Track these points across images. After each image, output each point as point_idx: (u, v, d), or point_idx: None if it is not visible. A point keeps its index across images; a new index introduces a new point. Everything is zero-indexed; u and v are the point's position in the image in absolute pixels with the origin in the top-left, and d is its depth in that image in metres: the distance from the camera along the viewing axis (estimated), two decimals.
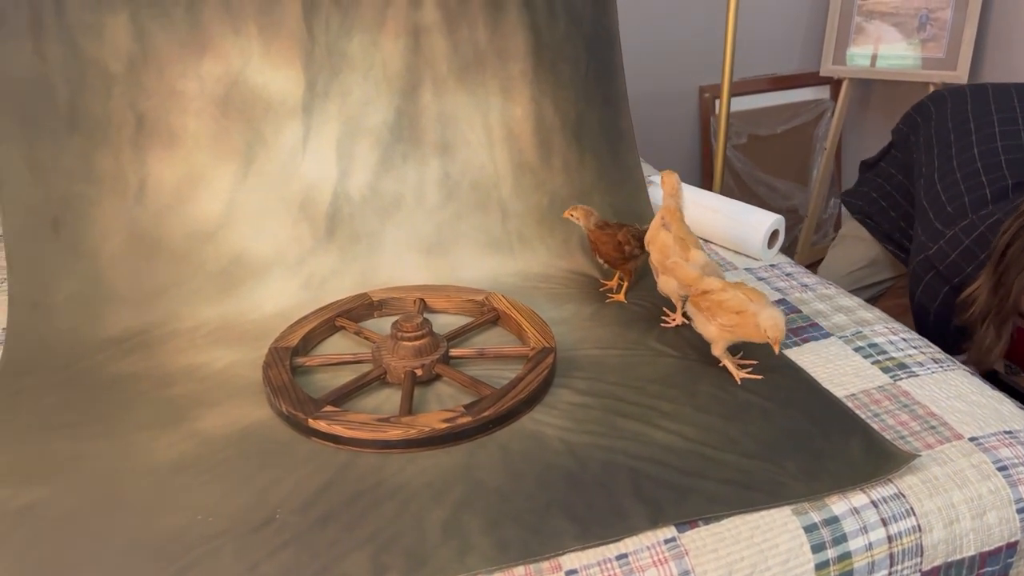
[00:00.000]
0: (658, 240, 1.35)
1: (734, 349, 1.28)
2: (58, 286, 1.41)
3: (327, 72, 1.54)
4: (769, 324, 1.14)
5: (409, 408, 1.15)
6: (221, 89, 1.49)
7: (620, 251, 1.44)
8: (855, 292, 1.92)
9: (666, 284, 1.34)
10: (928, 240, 1.52)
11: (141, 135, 1.47)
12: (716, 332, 1.21)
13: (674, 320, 1.37)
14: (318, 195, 1.52)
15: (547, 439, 1.10)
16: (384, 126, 1.56)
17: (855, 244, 1.92)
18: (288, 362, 1.26)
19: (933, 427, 1.11)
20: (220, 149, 1.49)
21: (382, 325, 1.41)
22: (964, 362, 1.34)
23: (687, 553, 0.94)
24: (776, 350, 1.15)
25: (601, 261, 1.47)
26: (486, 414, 1.12)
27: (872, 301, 1.94)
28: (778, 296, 1.48)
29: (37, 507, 1.03)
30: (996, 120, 1.59)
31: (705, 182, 2.99)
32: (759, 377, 1.22)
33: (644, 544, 0.94)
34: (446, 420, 1.10)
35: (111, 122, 1.46)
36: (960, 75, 2.63)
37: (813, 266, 2.93)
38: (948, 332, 1.50)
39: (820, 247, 3.13)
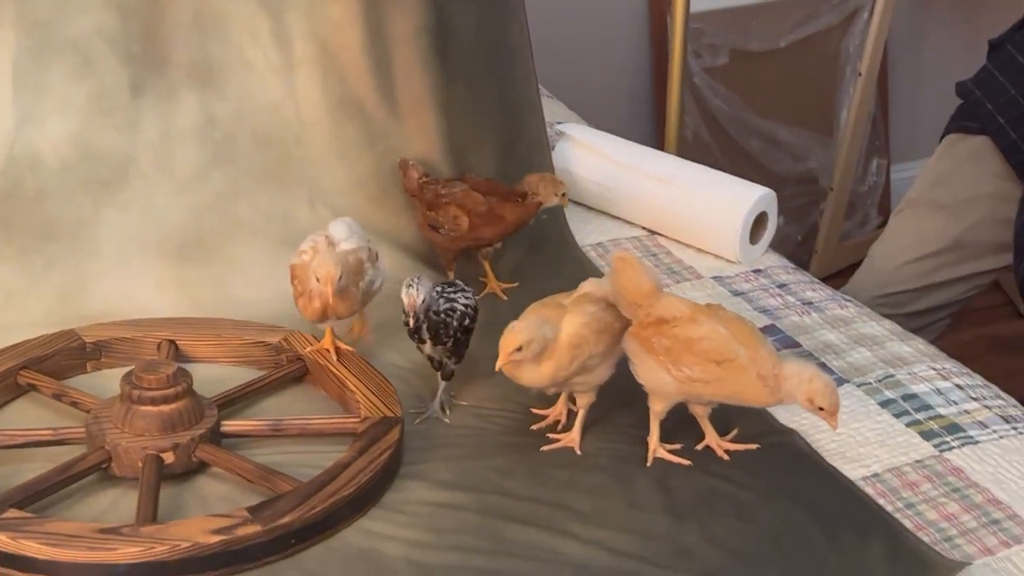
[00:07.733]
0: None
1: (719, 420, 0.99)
2: None
3: None
4: (815, 390, 0.88)
5: (153, 513, 0.92)
6: None
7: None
8: (924, 291, 1.53)
9: (535, 374, 0.92)
10: None
11: None
12: (673, 386, 0.92)
13: (565, 440, 0.98)
14: None
15: (389, 561, 0.91)
16: (98, 36, 1.21)
17: (932, 213, 1.51)
18: None
19: (996, 521, 0.93)
20: None
21: (102, 383, 1.11)
22: None
23: None
24: (834, 424, 0.91)
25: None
26: (285, 521, 0.90)
27: (948, 313, 1.56)
28: (765, 320, 1.21)
29: None
30: None
31: (659, 129, 2.06)
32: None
33: None
34: (218, 531, 0.89)
35: None
36: None
37: (843, 274, 2.00)
38: None
39: (857, 242, 2.27)
